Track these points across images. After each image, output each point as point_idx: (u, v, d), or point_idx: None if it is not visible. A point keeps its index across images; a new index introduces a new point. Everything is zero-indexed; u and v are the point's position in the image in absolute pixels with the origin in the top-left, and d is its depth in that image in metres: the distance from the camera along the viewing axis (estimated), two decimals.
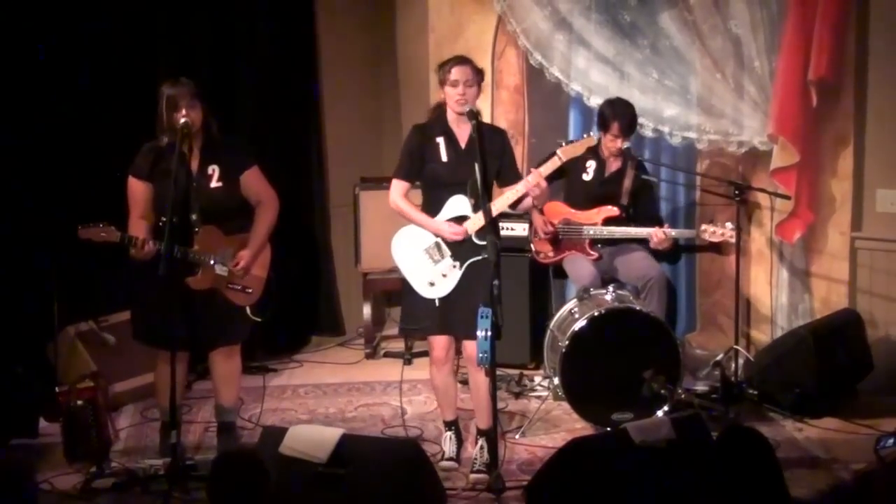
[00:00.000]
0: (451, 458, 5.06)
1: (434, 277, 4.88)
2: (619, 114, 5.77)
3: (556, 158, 4.90)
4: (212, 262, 4.91)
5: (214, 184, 4.94)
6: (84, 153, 5.78)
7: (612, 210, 5.87)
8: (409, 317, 5.02)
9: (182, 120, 4.76)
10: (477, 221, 4.82)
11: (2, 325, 5.36)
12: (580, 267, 5.83)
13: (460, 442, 5.17)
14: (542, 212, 5.91)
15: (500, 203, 4.87)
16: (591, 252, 5.89)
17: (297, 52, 7.00)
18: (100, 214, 4.83)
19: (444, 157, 4.90)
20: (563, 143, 4.97)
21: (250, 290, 5.03)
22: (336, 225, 7.29)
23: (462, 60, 4.88)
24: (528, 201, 4.99)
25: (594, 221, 5.88)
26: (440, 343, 4.99)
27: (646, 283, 5.70)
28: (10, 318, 5.41)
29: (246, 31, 6.67)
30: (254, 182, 5.07)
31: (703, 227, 5.78)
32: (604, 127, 5.77)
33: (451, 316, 4.87)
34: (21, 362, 5.36)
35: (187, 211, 4.81)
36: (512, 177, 4.96)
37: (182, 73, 5.00)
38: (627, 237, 5.87)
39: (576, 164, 5.81)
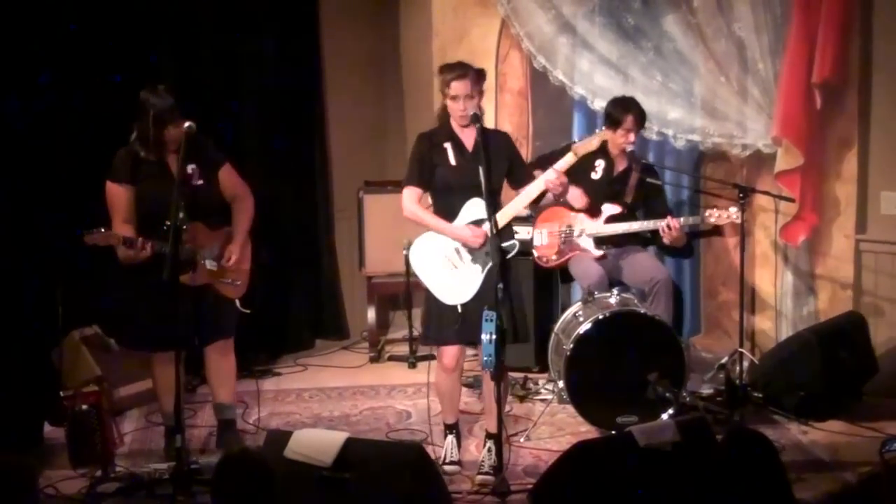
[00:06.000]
0: (452, 462, 5.05)
1: (455, 283, 4.87)
2: (631, 108, 5.77)
3: (571, 155, 4.92)
4: (203, 258, 4.99)
5: (196, 182, 5.00)
6: (87, 157, 5.78)
7: (615, 208, 5.85)
8: (434, 328, 4.95)
9: (186, 124, 4.78)
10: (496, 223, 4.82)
11: (6, 329, 5.36)
12: (587, 266, 5.81)
13: (460, 445, 5.16)
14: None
15: (518, 202, 4.88)
16: (595, 251, 5.88)
17: (301, 57, 7.02)
18: (104, 218, 4.86)
19: (453, 162, 4.89)
20: (576, 140, 4.98)
21: (239, 283, 5.13)
22: (340, 229, 7.30)
23: (461, 74, 4.80)
24: (548, 197, 5.00)
25: (596, 221, 5.87)
26: (452, 352, 4.96)
27: (653, 286, 5.69)
28: (14, 322, 5.41)
29: (249, 36, 6.68)
30: (229, 178, 5.16)
31: (708, 211, 5.76)
32: (615, 124, 5.76)
33: (472, 322, 4.79)
34: (25, 368, 5.37)
35: (175, 210, 4.85)
36: (524, 176, 4.96)
37: (185, 78, 5.02)
38: (630, 232, 5.85)
39: (584, 164, 5.82)
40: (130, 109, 5.01)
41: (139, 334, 5.06)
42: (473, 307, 4.81)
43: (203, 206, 4.99)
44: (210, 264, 5.02)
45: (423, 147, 4.95)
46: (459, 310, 4.85)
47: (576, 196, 5.62)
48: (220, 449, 5.24)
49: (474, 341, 4.85)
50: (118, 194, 4.93)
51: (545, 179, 4.85)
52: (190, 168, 4.95)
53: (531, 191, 4.88)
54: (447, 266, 4.89)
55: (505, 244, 4.81)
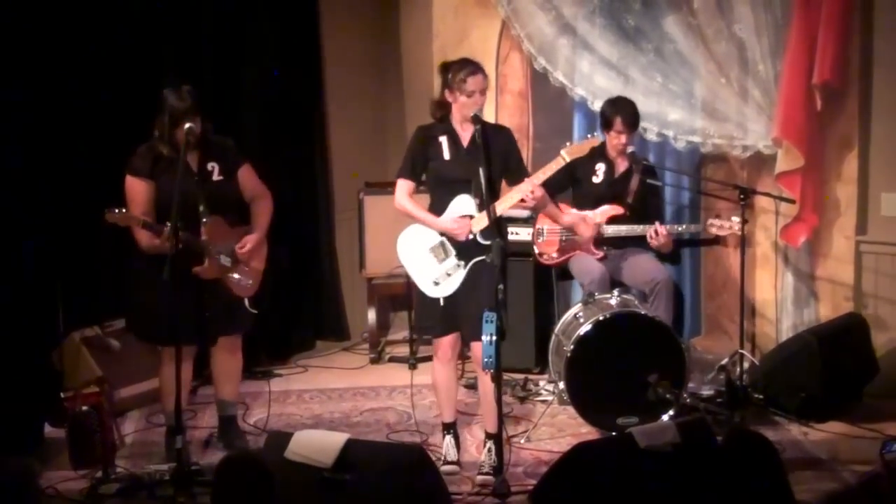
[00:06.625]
0: (451, 462, 5.06)
1: (438, 276, 4.90)
2: (620, 109, 5.79)
3: (559, 159, 4.92)
4: (218, 252, 4.99)
5: (216, 177, 5.07)
6: (90, 157, 5.79)
7: (616, 209, 5.86)
8: (422, 319, 5.07)
9: (187, 125, 4.80)
10: (481, 220, 4.84)
11: (6, 329, 5.36)
12: (588, 264, 5.82)
13: (459, 445, 5.17)
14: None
15: (501, 205, 4.88)
16: (596, 251, 5.88)
17: (302, 58, 7.02)
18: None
19: (447, 155, 4.93)
20: (568, 144, 4.98)
21: (251, 282, 5.15)
22: (341, 230, 7.31)
23: (475, 69, 4.87)
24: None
25: (598, 221, 5.87)
26: (445, 341, 5.00)
27: (654, 286, 5.69)
28: (15, 323, 5.41)
29: (250, 37, 6.69)
30: (249, 178, 5.21)
31: (710, 221, 5.78)
32: (607, 125, 5.79)
33: (456, 315, 4.90)
34: (25, 368, 5.37)
35: (195, 204, 4.90)
36: (519, 174, 4.96)
37: (187, 78, 5.02)
38: (632, 235, 5.84)
39: (585, 168, 5.83)
40: (131, 109, 5.03)
41: (155, 328, 5.03)
42: (456, 301, 4.88)
43: (221, 201, 5.05)
44: (224, 259, 5.04)
45: (418, 140, 5.00)
46: (441, 303, 4.90)
47: (582, 228, 5.74)
48: (221, 442, 5.27)
49: (457, 332, 4.95)
50: (137, 189, 4.95)
51: (519, 190, 4.87)
52: (210, 165, 5.04)
53: (513, 195, 4.89)
54: (431, 259, 4.92)
55: (488, 241, 4.81)
